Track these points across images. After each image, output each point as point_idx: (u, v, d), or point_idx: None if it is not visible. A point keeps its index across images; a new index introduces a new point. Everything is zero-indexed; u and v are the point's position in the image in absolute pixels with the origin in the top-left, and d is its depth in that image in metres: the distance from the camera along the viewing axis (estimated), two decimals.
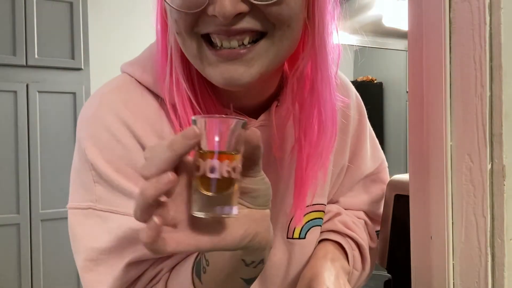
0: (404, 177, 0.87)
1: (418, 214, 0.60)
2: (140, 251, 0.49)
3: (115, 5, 3.10)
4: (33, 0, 2.30)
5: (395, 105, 3.56)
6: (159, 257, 0.51)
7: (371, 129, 0.76)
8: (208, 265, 0.44)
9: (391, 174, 0.81)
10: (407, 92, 3.72)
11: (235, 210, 0.35)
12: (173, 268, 0.51)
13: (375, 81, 3.62)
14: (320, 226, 0.65)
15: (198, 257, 0.46)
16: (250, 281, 0.45)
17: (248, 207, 0.38)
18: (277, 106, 0.56)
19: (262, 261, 0.43)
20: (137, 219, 0.34)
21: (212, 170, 0.33)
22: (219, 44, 0.44)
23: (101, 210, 0.51)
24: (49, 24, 2.34)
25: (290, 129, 0.56)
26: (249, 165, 0.36)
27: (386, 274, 0.97)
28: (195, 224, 0.35)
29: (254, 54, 0.45)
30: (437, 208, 0.57)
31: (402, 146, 3.48)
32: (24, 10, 2.29)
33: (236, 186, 0.35)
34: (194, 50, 0.46)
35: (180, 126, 0.49)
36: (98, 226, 0.51)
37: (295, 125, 0.55)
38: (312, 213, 0.61)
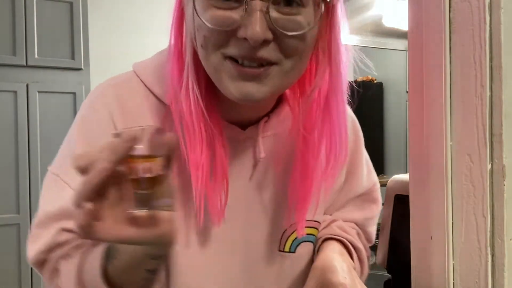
0: (404, 177, 0.87)
1: (418, 214, 0.60)
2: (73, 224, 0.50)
3: (115, 6, 3.10)
4: (33, 0, 2.30)
5: (395, 105, 3.56)
6: None
7: (366, 151, 0.78)
8: (117, 255, 0.48)
9: (391, 174, 0.81)
10: (407, 92, 3.71)
11: (167, 202, 0.40)
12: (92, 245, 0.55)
13: (375, 81, 3.62)
14: (312, 242, 0.66)
15: (109, 245, 0.49)
16: (152, 272, 0.49)
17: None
18: (266, 122, 0.59)
19: (164, 256, 0.48)
20: (76, 202, 0.38)
21: (140, 171, 0.39)
22: (240, 62, 0.48)
23: (62, 180, 0.58)
24: (49, 24, 2.34)
25: (289, 145, 0.59)
26: (166, 166, 0.41)
27: (386, 274, 0.97)
28: (121, 219, 0.39)
29: (268, 75, 0.49)
30: (437, 208, 0.57)
31: (402, 146, 3.48)
32: (24, 10, 2.29)
33: (162, 184, 0.40)
34: (216, 64, 0.49)
35: (182, 131, 0.53)
36: (55, 193, 0.58)
37: (298, 142, 0.58)
38: (306, 228, 0.62)
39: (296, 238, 0.63)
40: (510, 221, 0.50)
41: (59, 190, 0.58)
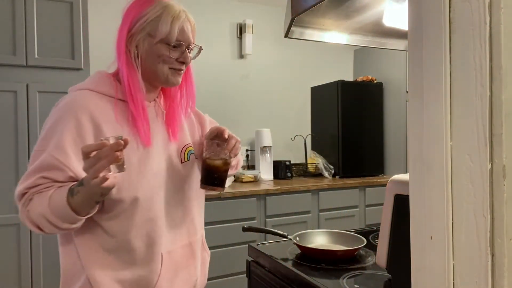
0: (404, 177, 0.87)
1: (418, 214, 0.60)
2: (51, 174, 0.96)
3: (115, 5, 3.10)
4: (33, 0, 2.30)
5: (395, 105, 3.56)
6: (57, 180, 0.97)
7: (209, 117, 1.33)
8: (78, 192, 0.90)
9: (391, 174, 0.81)
10: (407, 92, 3.72)
11: (121, 168, 0.89)
12: (60, 187, 0.96)
13: (375, 81, 3.62)
14: (193, 153, 1.19)
15: (73, 186, 0.92)
16: (98, 202, 0.95)
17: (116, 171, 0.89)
18: (158, 97, 1.17)
19: (106, 194, 0.93)
20: (102, 167, 0.85)
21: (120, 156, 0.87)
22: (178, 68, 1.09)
23: (40, 150, 0.98)
24: (49, 24, 2.34)
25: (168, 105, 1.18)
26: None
27: (386, 274, 0.97)
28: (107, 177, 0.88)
29: (181, 75, 1.12)
30: (437, 208, 0.56)
31: (402, 146, 3.48)
32: (24, 10, 2.29)
33: (122, 162, 0.89)
34: (166, 67, 1.07)
35: (132, 108, 1.05)
36: (37, 158, 0.98)
37: (169, 106, 1.18)
38: (188, 147, 1.17)
39: (189, 150, 1.17)
40: (510, 221, 0.50)
41: (39, 156, 0.98)
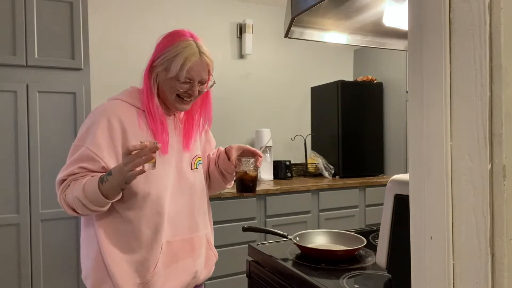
0: (404, 177, 0.87)
1: (418, 214, 0.60)
2: (87, 164, 1.19)
3: (115, 5, 3.10)
4: (33, 0, 2.30)
5: (395, 105, 3.56)
6: (91, 170, 1.20)
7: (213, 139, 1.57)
8: (107, 180, 1.13)
9: (391, 174, 0.81)
10: (407, 92, 3.71)
11: (153, 166, 1.14)
12: (93, 176, 1.19)
13: (375, 81, 3.62)
14: (202, 163, 1.42)
15: (103, 175, 1.14)
16: (122, 189, 1.17)
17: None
18: (176, 114, 1.39)
19: (130, 182, 1.16)
20: (140, 163, 1.09)
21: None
22: (183, 97, 1.30)
23: (79, 145, 1.21)
24: (49, 24, 2.34)
25: (184, 122, 1.40)
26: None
27: (386, 274, 0.97)
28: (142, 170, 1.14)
29: (190, 103, 1.32)
30: (437, 208, 0.56)
31: (402, 146, 3.48)
32: (24, 10, 2.29)
33: (154, 161, 1.13)
34: (174, 96, 1.28)
35: (149, 118, 1.27)
36: (75, 152, 1.21)
37: (186, 121, 1.40)
38: (198, 157, 1.39)
39: (198, 160, 1.39)
40: (510, 221, 0.50)
41: (78, 150, 1.21)
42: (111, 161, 1.19)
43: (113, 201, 1.18)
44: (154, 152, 1.09)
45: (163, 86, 1.27)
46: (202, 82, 1.29)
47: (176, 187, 1.31)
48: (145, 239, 1.24)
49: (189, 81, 1.26)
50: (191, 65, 1.24)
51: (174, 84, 1.25)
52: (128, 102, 1.28)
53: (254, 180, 1.40)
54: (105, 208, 1.18)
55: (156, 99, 1.27)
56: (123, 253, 1.23)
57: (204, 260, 1.39)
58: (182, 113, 1.39)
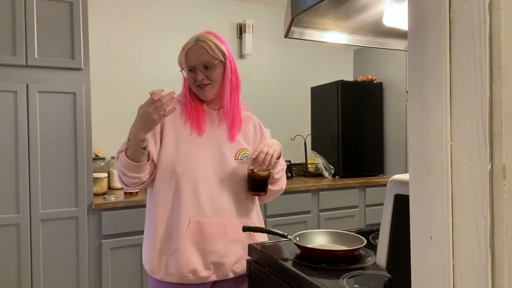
0: (404, 177, 0.87)
1: (418, 214, 0.60)
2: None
3: (115, 5, 3.10)
4: (33, 0, 2.30)
5: (395, 105, 3.56)
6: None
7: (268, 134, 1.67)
8: (129, 146, 1.33)
9: (391, 174, 0.81)
10: (407, 92, 3.71)
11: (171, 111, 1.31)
12: None
13: (375, 81, 3.62)
14: (248, 155, 1.48)
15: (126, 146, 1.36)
16: (144, 148, 1.33)
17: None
18: (219, 109, 1.52)
19: (146, 141, 1.33)
20: (159, 109, 1.25)
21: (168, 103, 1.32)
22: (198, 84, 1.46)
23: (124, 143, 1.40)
24: (49, 24, 2.34)
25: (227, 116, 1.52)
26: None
27: (386, 274, 0.97)
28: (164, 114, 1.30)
29: (207, 89, 1.45)
30: (437, 208, 0.56)
31: (402, 146, 3.48)
32: (24, 10, 2.29)
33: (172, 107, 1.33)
34: (194, 87, 1.46)
35: (184, 109, 1.48)
36: (123, 142, 1.40)
37: (228, 115, 1.51)
38: (243, 150, 1.49)
39: (244, 153, 1.48)
40: (510, 221, 0.50)
41: (124, 143, 1.38)
42: (149, 139, 1.38)
43: (140, 164, 1.33)
44: (171, 98, 1.25)
45: (187, 81, 1.46)
46: (205, 66, 1.40)
47: (216, 171, 1.43)
48: (185, 207, 1.39)
49: (192, 68, 1.40)
50: (187, 52, 1.40)
51: (187, 76, 1.43)
52: (177, 98, 1.43)
53: (265, 180, 1.42)
54: (140, 175, 1.35)
55: (186, 91, 1.47)
56: (163, 223, 1.41)
57: (240, 247, 1.45)
58: (230, 107, 1.49)
